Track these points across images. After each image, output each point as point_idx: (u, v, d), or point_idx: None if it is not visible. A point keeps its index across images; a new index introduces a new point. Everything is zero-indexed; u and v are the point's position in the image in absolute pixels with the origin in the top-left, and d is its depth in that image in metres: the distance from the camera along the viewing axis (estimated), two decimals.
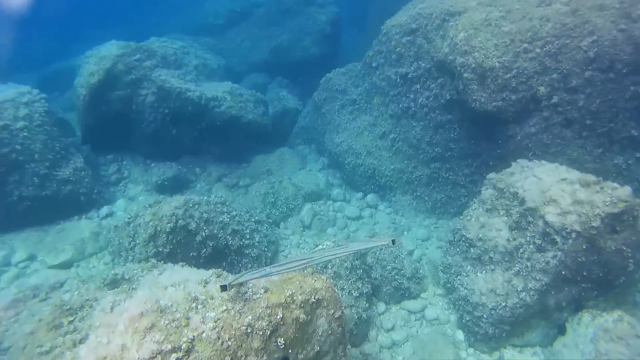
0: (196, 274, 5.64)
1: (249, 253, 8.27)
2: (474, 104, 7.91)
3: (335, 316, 5.10)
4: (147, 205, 7.72)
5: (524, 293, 6.34)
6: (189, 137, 11.11)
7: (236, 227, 8.08)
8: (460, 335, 7.29)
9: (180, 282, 5.37)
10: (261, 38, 17.04)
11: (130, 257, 7.40)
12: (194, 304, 4.60)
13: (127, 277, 5.99)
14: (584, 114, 7.34)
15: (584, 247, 5.83)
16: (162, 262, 6.51)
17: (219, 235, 7.72)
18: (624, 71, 7.01)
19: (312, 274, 5.25)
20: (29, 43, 21.11)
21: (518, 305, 6.41)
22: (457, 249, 7.61)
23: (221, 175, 11.31)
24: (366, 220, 10.26)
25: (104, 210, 9.69)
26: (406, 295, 7.97)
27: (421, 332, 7.51)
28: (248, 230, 8.37)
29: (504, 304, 6.52)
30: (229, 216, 8.10)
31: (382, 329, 7.50)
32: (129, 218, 7.80)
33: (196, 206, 7.65)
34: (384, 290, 7.89)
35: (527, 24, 7.61)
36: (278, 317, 4.50)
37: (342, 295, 7.08)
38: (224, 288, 4.35)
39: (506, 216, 6.89)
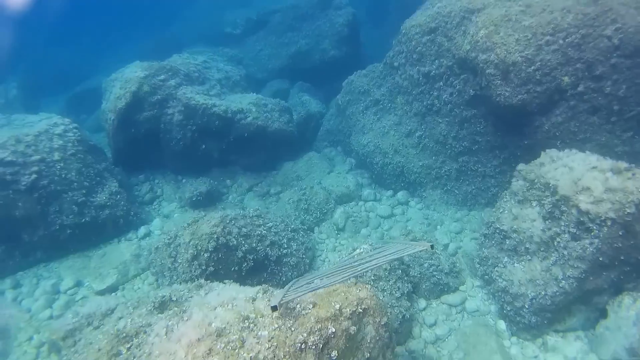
0: (243, 292, 5.83)
1: (287, 262, 8.43)
2: (498, 98, 7.94)
3: (382, 323, 5.24)
4: (185, 225, 7.93)
5: (564, 281, 6.38)
6: (218, 150, 11.33)
7: (274, 238, 8.25)
8: (502, 325, 7.34)
9: (228, 300, 5.55)
10: (280, 45, 17.18)
11: (174, 277, 7.63)
12: (246, 324, 4.78)
13: (174, 298, 6.21)
14: (611, 100, 7.31)
15: (620, 234, 5.85)
16: (207, 280, 6.72)
17: (258, 248, 7.91)
18: None
19: (356, 283, 5.38)
20: (55, 64, 21.63)
21: (558, 294, 6.45)
22: (492, 242, 7.66)
23: (252, 185, 11.50)
24: (398, 217, 10.35)
25: (142, 230, 9.97)
26: (445, 289, 8.05)
27: (463, 324, 7.59)
28: (285, 240, 8.54)
29: (543, 293, 6.56)
30: (265, 228, 8.28)
31: (425, 325, 7.60)
32: (168, 239, 8.03)
33: (233, 221, 7.85)
34: (424, 286, 8.00)
35: (548, 17, 7.60)
36: (329, 331, 4.64)
37: (383, 296, 7.21)
38: (274, 308, 4.49)
39: (539, 207, 6.92)
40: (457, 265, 8.36)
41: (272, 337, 4.54)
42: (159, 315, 5.83)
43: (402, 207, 10.62)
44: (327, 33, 16.65)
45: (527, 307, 6.77)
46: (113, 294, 8.41)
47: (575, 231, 6.23)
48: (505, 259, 7.31)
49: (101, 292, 8.35)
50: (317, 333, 4.56)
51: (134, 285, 8.61)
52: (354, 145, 11.86)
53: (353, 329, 4.87)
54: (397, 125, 11.09)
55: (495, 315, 7.62)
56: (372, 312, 5.19)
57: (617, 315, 6.30)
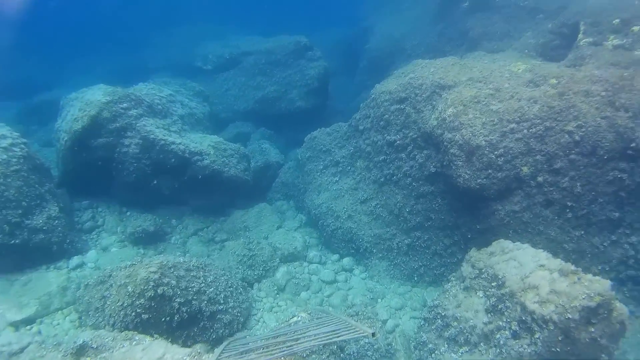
0: (171, 352, 5.55)
1: (221, 318, 8.14)
2: (458, 179, 8.04)
3: None
4: (121, 266, 7.55)
5: None
6: (170, 188, 11.02)
7: (211, 294, 7.98)
8: None
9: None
10: (248, 87, 17.16)
11: (100, 319, 7.24)
12: None
13: (94, 345, 5.86)
14: (565, 195, 7.48)
15: (560, 339, 5.86)
16: (133, 330, 6.41)
17: (193, 302, 7.60)
18: (605, 157, 7.20)
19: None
20: (14, 69, 20.95)
21: None
22: (433, 327, 7.62)
23: (197, 229, 11.21)
24: (341, 284, 10.21)
25: (75, 260, 9.47)
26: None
27: None
28: (222, 296, 8.26)
29: None
30: (204, 282, 8.00)
31: None
32: (102, 277, 7.63)
33: (172, 270, 7.55)
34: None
35: (516, 104, 7.84)
36: None
37: None
38: None
39: (484, 297, 6.93)
40: (393, 345, 8.24)
41: None
42: None
43: (346, 274, 10.51)
44: (297, 83, 16.74)
45: None
46: (29, 326, 7.88)
47: (516, 329, 6.23)
48: (444, 347, 7.25)
49: (15, 324, 7.80)
50: None
51: (53, 320, 8.08)
52: (308, 203, 11.79)
53: None
54: (353, 190, 11.11)
55: None
56: None
57: None
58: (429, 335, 7.66)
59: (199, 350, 5.68)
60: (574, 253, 7.60)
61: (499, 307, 6.54)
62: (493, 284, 6.80)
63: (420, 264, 9.92)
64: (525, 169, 7.64)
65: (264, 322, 9.01)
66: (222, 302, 8.19)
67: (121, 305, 6.96)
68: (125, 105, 10.57)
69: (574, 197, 7.47)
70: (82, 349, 5.80)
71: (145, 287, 7.03)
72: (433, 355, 7.36)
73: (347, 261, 10.73)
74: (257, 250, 10.17)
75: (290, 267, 10.36)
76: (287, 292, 9.85)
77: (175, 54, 20.75)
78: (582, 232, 7.58)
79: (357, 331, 5.48)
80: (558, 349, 5.92)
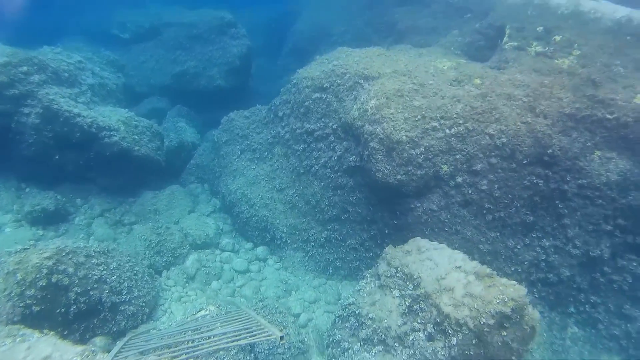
0: (60, 351, 5.06)
1: (124, 310, 7.66)
2: (377, 173, 7.92)
3: None
4: (10, 251, 6.84)
5: None
6: (74, 164, 10.22)
7: (113, 283, 7.46)
8: None
9: None
10: (167, 61, 16.30)
11: None
12: None
13: None
14: (484, 197, 7.54)
15: (473, 342, 5.89)
16: (21, 325, 5.84)
17: (92, 292, 7.07)
18: (524, 162, 7.31)
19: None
20: None
21: None
22: (347, 325, 7.49)
23: (104, 209, 10.49)
24: (254, 275, 9.93)
25: None
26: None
27: None
28: (126, 285, 7.76)
29: None
30: (106, 270, 7.46)
31: None
32: None
33: (70, 256, 6.96)
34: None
35: (439, 102, 7.79)
36: None
37: None
38: None
39: (399, 297, 6.87)
40: (306, 341, 8.07)
41: None
42: None
43: (259, 263, 10.23)
44: (218, 61, 16.03)
45: None
46: None
47: (431, 331, 6.18)
48: (357, 346, 7.14)
49: None
50: None
51: None
52: (222, 188, 11.37)
53: None
54: (270, 178, 10.78)
55: None
56: None
57: None
58: (342, 333, 7.53)
59: (92, 349, 5.22)
60: (488, 254, 7.72)
61: (414, 308, 6.50)
62: (408, 284, 6.74)
63: (336, 256, 9.81)
64: (445, 167, 7.64)
65: (171, 312, 8.58)
66: (125, 292, 7.71)
67: (8, 295, 6.31)
68: (25, 69, 9.62)
69: (491, 199, 7.55)
70: None
71: (38, 276, 6.42)
72: (346, 354, 7.25)
73: (261, 250, 10.45)
74: (166, 235, 9.67)
75: (201, 255, 9.94)
76: (197, 282, 9.45)
77: (90, 18, 19.26)
78: (498, 234, 7.70)
79: (265, 333, 5.25)
80: (471, 352, 5.95)
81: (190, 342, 5.79)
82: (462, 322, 5.87)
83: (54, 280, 6.55)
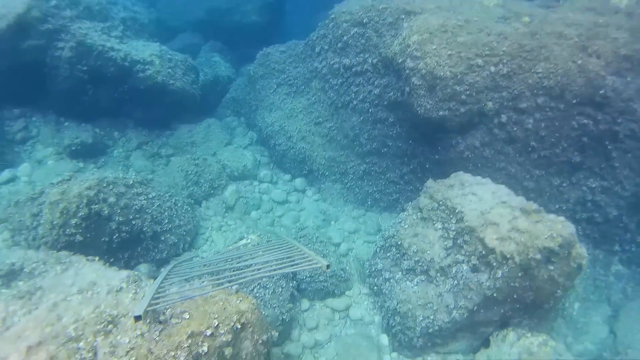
0: (106, 277, 5.14)
1: (165, 239, 7.77)
2: (419, 109, 7.63)
3: (261, 340, 4.80)
4: (54, 182, 6.93)
5: (455, 311, 6.22)
6: (109, 98, 10.17)
7: (154, 213, 7.53)
8: (384, 339, 7.13)
9: (87, 287, 4.87)
10: None
11: (31, 238, 6.69)
12: (104, 324, 4.14)
13: (26, 269, 5.42)
14: (529, 135, 7.20)
15: (519, 275, 5.77)
16: (69, 252, 5.96)
17: (134, 222, 7.16)
18: (573, 102, 6.88)
19: (237, 292, 4.87)
20: None
21: (448, 322, 6.31)
22: (388, 254, 7.43)
23: (141, 142, 10.49)
24: (292, 205, 9.93)
25: (6, 174, 8.71)
26: (331, 293, 7.70)
27: (345, 332, 7.33)
28: (166, 214, 7.84)
29: (433, 319, 6.40)
30: (147, 199, 7.51)
31: (305, 328, 7.27)
32: (33, 194, 7.02)
33: (111, 187, 7.01)
34: (309, 287, 7.58)
35: (485, 38, 7.32)
36: (201, 349, 4.11)
37: (265, 294, 6.77)
38: (138, 318, 3.85)
39: (442, 230, 6.74)
40: (347, 268, 8.08)
41: (132, 348, 3.93)
42: (2, 290, 5.01)
43: (298, 194, 10.20)
44: None
45: (414, 329, 6.57)
46: None
47: (475, 263, 6.08)
48: (399, 275, 7.10)
49: None
50: (186, 349, 4.01)
51: None
52: (259, 121, 11.21)
53: (229, 350, 4.38)
54: (307, 111, 10.54)
55: (378, 327, 7.42)
56: (251, 327, 4.71)
57: (499, 349, 6.28)
58: (384, 262, 7.48)
59: (136, 274, 5.30)
60: (532, 192, 7.47)
61: (458, 241, 6.38)
62: (451, 217, 6.59)
63: (375, 189, 9.67)
64: (489, 104, 7.27)
65: (212, 241, 8.68)
66: (166, 221, 7.78)
67: (53, 224, 6.43)
68: (56, 2, 9.46)
69: (537, 138, 7.20)
70: (12, 273, 5.34)
71: (79, 205, 6.49)
72: (388, 284, 7.22)
73: (299, 182, 10.40)
74: (204, 166, 9.65)
75: (239, 186, 9.96)
76: (237, 212, 9.49)
77: None
78: (543, 172, 7.40)
79: (311, 261, 5.19)
80: (516, 284, 5.85)
81: (233, 270, 5.82)
82: (509, 256, 5.74)
83: (95, 209, 6.61)
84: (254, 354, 4.74)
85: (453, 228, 6.49)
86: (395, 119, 8.75)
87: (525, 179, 7.50)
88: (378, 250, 7.73)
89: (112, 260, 7.02)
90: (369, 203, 9.84)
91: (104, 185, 6.92)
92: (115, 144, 10.31)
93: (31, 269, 5.36)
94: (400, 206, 9.44)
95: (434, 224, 6.90)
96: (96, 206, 6.62)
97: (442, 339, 6.58)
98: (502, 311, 6.24)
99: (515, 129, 7.24)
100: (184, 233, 8.10)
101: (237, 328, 4.51)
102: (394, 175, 9.33)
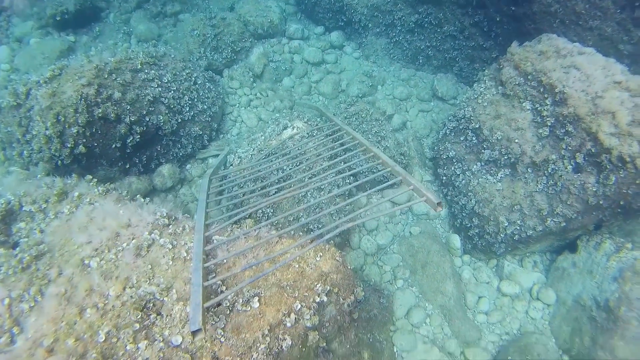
0: (128, 220, 3.93)
1: (188, 131, 6.41)
2: None
3: (347, 303, 3.68)
4: (40, 80, 5.32)
5: (550, 219, 5.04)
6: None
7: (171, 100, 6.03)
8: (455, 240, 6.07)
9: (108, 242, 3.70)
10: None
11: (26, 154, 5.36)
12: (142, 317, 3.07)
13: (27, 207, 4.23)
14: None
15: (637, 182, 4.44)
16: (74, 164, 4.79)
17: (149, 118, 5.73)
18: None
19: (313, 244, 3.53)
20: None
21: (540, 231, 5.16)
22: (462, 139, 6.05)
23: (141, 0, 8.55)
24: (330, 66, 8.27)
25: None
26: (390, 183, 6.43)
27: (409, 231, 6.26)
28: (187, 99, 6.33)
29: (520, 225, 5.26)
30: (160, 84, 5.95)
31: (365, 230, 6.19)
32: (15, 99, 5.44)
33: (113, 76, 5.44)
34: (365, 179, 6.25)
35: None
36: (283, 344, 3.05)
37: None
38: (197, 333, 2.70)
39: (533, 113, 5.26)
40: (406, 149, 6.70)
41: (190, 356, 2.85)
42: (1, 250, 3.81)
43: (335, 52, 8.48)
44: None
45: (497, 235, 5.50)
46: None
47: (580, 162, 4.73)
48: (477, 166, 5.77)
49: None
50: (263, 350, 2.95)
51: None
52: None
53: (313, 335, 3.28)
54: None
55: (445, 222, 6.35)
56: (337, 290, 3.57)
57: (590, 257, 5.22)
58: (457, 148, 6.14)
59: (174, 215, 4.07)
60: (629, 57, 5.82)
61: (557, 131, 4.94)
62: (547, 97, 5.09)
63: (427, 44, 7.97)
64: None
65: (242, 121, 7.33)
66: (187, 108, 6.34)
67: (48, 136, 5.04)
68: None
69: None
70: (10, 214, 4.12)
71: (77, 109, 5.05)
72: (463, 175, 5.92)
73: (335, 36, 8.60)
74: (222, 27, 7.82)
75: (266, 47, 8.23)
76: (266, 80, 7.93)
77: None
78: None
79: (418, 193, 3.87)
80: (629, 192, 4.51)
81: (293, 185, 4.57)
82: (628, 159, 4.33)
83: (99, 113, 5.16)
84: (337, 318, 3.65)
85: (549, 112, 5.01)
86: None
87: (623, 41, 5.82)
88: (448, 132, 6.31)
89: (127, 166, 5.80)
90: (420, 61, 8.18)
91: (105, 76, 5.36)
92: (110, 5, 8.40)
93: (34, 209, 4.12)
94: (457, 66, 7.80)
95: (521, 103, 5.39)
96: (99, 109, 5.15)
97: (526, 244, 5.51)
98: (600, 217, 5.02)
99: None
100: (209, 119, 6.69)
101: (322, 302, 3.35)
102: (453, 29, 7.54)
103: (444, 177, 6.26)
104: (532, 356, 4.87)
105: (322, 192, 5.27)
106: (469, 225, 5.79)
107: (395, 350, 5.13)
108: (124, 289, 3.31)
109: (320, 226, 5.25)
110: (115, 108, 5.33)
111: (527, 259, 5.87)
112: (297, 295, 3.26)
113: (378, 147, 6.19)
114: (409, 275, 5.76)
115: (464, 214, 5.86)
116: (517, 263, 5.88)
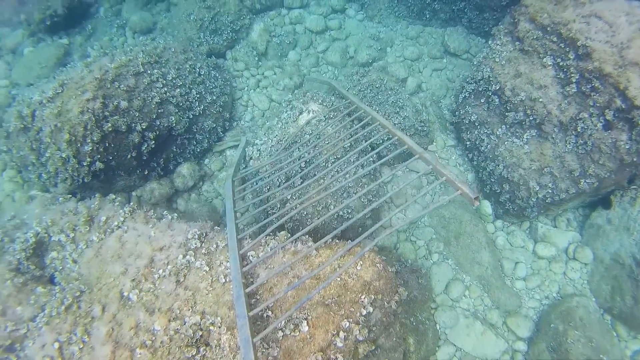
0: (159, 243, 3.88)
1: (202, 126, 6.25)
2: None
3: (391, 305, 3.63)
4: (43, 100, 5.10)
5: (583, 180, 4.88)
6: None
7: (179, 98, 5.84)
8: (486, 206, 5.95)
9: (145, 271, 3.65)
10: None
11: (45, 176, 5.25)
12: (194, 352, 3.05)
13: (54, 237, 4.20)
14: None
15: None
16: (94, 180, 4.80)
17: (159, 122, 5.58)
18: None
19: (358, 255, 3.46)
20: None
21: (573, 193, 5.01)
22: (482, 101, 5.82)
23: None
24: (335, 33, 7.96)
25: None
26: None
27: (437, 201, 6.11)
28: (194, 93, 6.14)
29: (552, 188, 5.11)
30: (165, 83, 5.74)
31: (393, 205, 6.09)
32: (22, 121, 5.26)
33: (116, 84, 5.25)
34: (388, 153, 5.98)
35: None
36: None
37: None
38: None
39: (555, 69, 5.02)
40: (424, 115, 6.49)
41: None
42: (39, 289, 3.79)
43: (338, 17, 8.16)
44: None
45: (528, 199, 5.35)
46: None
47: (610, 119, 4.52)
48: (501, 129, 5.57)
49: None
50: None
51: None
52: None
53: (363, 347, 3.25)
54: None
55: (474, 187, 6.20)
56: (381, 296, 3.52)
57: (626, 213, 5.08)
58: (478, 111, 5.91)
59: (205, 230, 4.00)
60: None
61: (583, 87, 4.69)
62: (569, 52, 4.82)
63: None
64: None
65: (253, 105, 7.13)
66: (196, 103, 6.16)
67: (65, 158, 4.93)
68: None
69: None
70: (40, 244, 4.09)
71: (87, 127, 4.90)
72: (487, 139, 5.72)
73: None
74: (218, 7, 7.49)
75: (266, 20, 7.92)
76: (271, 56, 7.69)
77: None
78: None
79: (455, 186, 3.76)
80: None
81: (319, 183, 4.45)
82: None
83: (108, 128, 5.02)
84: (383, 319, 3.61)
85: (574, 68, 4.76)
86: None
87: None
88: (467, 96, 6.06)
89: (146, 172, 5.69)
90: (427, 16, 7.84)
91: (108, 85, 5.18)
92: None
93: (61, 238, 4.09)
94: (466, 17, 7.46)
95: (541, 59, 5.14)
96: (108, 123, 5.01)
97: (558, 205, 5.36)
98: (633, 172, 4.86)
99: None
100: (220, 109, 6.51)
101: (368, 313, 3.30)
102: None
103: (468, 142, 6.07)
104: (574, 322, 4.81)
105: (347, 175, 5.14)
106: (499, 191, 5.64)
107: (438, 328, 5.13)
108: (169, 321, 3.27)
109: (349, 211, 5.16)
110: (125, 119, 5.18)
111: (559, 218, 5.74)
112: (343, 313, 3.20)
113: (398, 118, 6.02)
114: (443, 247, 5.69)
115: (492, 180, 5.70)
116: (551, 223, 5.76)
